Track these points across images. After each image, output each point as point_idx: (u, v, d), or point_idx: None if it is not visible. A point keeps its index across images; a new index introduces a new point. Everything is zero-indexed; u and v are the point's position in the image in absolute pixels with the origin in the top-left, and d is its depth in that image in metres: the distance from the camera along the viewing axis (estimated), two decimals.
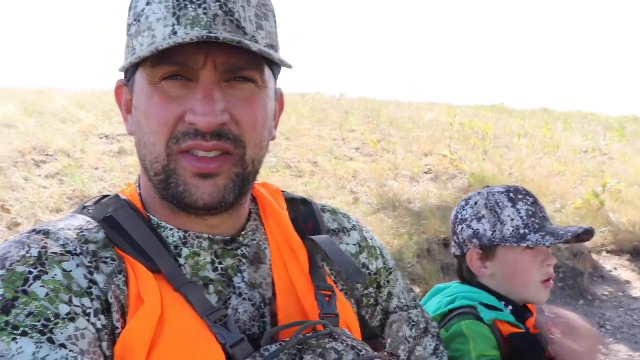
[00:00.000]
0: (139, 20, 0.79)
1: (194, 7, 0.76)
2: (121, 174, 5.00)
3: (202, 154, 0.79)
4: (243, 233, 0.90)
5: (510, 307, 1.38)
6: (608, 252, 4.89)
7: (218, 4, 0.76)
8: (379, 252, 1.07)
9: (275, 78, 0.88)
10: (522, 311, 1.40)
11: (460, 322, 1.31)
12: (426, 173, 6.22)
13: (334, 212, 1.05)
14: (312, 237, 0.93)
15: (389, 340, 1.09)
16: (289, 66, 0.82)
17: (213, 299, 0.83)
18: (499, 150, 7.31)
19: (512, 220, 1.38)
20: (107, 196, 0.90)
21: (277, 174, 5.54)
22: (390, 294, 1.07)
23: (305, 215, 1.00)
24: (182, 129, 0.78)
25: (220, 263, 0.86)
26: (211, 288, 0.84)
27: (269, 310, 0.88)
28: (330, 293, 0.90)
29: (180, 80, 0.78)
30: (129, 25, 0.82)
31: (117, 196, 0.89)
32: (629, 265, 4.72)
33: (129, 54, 0.82)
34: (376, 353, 0.83)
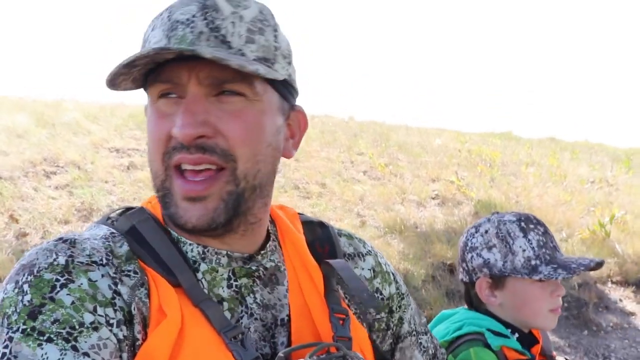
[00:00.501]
0: (143, 46, 0.84)
1: (182, 27, 0.79)
2: (130, 188, 5.03)
3: (190, 168, 0.80)
4: (262, 252, 0.91)
5: (517, 335, 1.39)
6: (613, 282, 4.86)
7: (205, 21, 0.79)
8: (392, 278, 1.07)
9: (281, 93, 0.87)
10: (528, 338, 1.40)
11: (468, 348, 1.32)
12: (433, 198, 6.22)
13: (349, 236, 1.06)
14: (328, 260, 0.94)
15: None
16: (275, 77, 0.82)
17: (227, 317, 0.84)
18: (506, 178, 7.31)
19: (524, 251, 1.37)
20: (131, 208, 0.91)
21: (285, 195, 5.56)
22: (401, 319, 1.07)
23: (322, 239, 1.01)
24: (172, 143, 0.80)
25: (235, 281, 0.87)
26: (225, 305, 0.85)
27: (282, 330, 0.88)
28: (344, 316, 0.90)
29: (174, 97, 0.81)
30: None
31: (141, 208, 0.90)
32: (634, 297, 4.68)
33: None
34: None
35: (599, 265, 1.40)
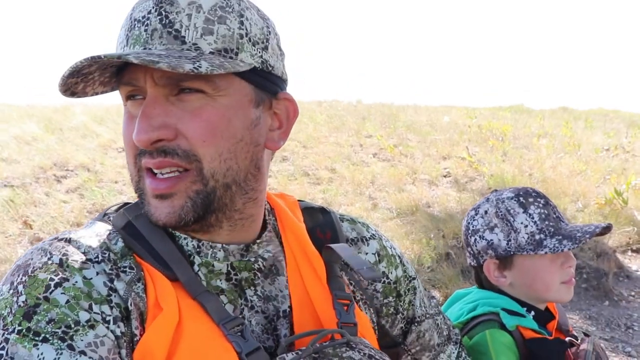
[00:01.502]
0: (116, 46, 0.82)
1: (139, 25, 0.77)
2: None
3: (157, 171, 0.79)
4: (258, 241, 0.89)
5: (533, 313, 1.36)
6: (633, 251, 4.80)
7: (159, 17, 0.77)
8: (398, 261, 1.06)
9: (254, 82, 0.82)
10: (544, 315, 1.38)
11: (483, 330, 1.29)
12: (445, 176, 6.18)
13: (352, 221, 1.05)
14: (330, 245, 0.93)
15: (418, 348, 1.09)
16: (235, 70, 0.77)
17: (228, 309, 0.83)
18: (519, 151, 7.24)
19: (526, 227, 1.34)
20: (128, 203, 0.90)
21: (295, 182, 5.55)
22: (411, 302, 1.06)
23: (323, 225, 1.00)
24: (139, 147, 0.79)
25: (235, 275, 0.86)
26: (224, 298, 0.84)
27: (284, 322, 0.88)
28: (348, 302, 0.89)
29: (139, 99, 0.79)
30: None
31: (137, 203, 0.89)
32: None
33: None
34: None
35: (606, 230, 1.36)
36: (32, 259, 0.76)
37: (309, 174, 5.86)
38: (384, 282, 1.03)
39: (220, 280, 0.85)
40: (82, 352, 0.70)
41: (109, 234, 0.83)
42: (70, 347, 0.69)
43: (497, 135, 7.83)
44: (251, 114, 0.83)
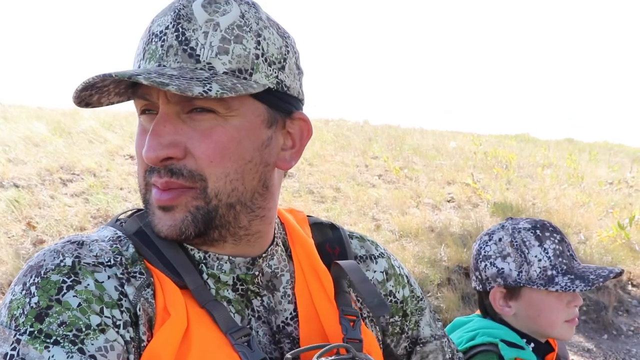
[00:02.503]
0: (134, 57, 0.83)
1: (156, 40, 0.78)
2: None
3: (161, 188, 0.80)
4: (264, 255, 0.90)
5: (532, 345, 1.36)
6: (634, 285, 4.79)
7: (176, 34, 0.77)
8: (405, 281, 1.06)
9: (268, 103, 0.82)
10: (544, 347, 1.37)
11: None
12: (448, 201, 6.18)
13: (361, 238, 1.05)
14: (338, 261, 0.93)
15: None
16: (247, 92, 0.76)
17: (237, 319, 0.84)
18: (523, 180, 7.25)
19: (540, 260, 1.33)
20: (140, 210, 0.90)
21: (299, 199, 5.56)
22: (417, 323, 1.06)
23: (332, 240, 1.00)
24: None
25: (241, 285, 0.86)
26: (231, 308, 0.84)
27: (289, 334, 0.88)
28: (355, 318, 0.89)
29: (152, 114, 0.80)
30: None
31: None
32: None
33: None
34: None
35: (619, 275, 1.35)
36: (44, 260, 0.76)
37: (313, 191, 5.86)
38: (391, 300, 1.03)
39: (228, 291, 0.85)
40: (92, 357, 0.70)
41: (121, 239, 0.84)
42: (81, 351, 0.70)
43: (502, 163, 7.85)
44: (263, 134, 0.82)
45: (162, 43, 0.77)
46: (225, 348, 0.78)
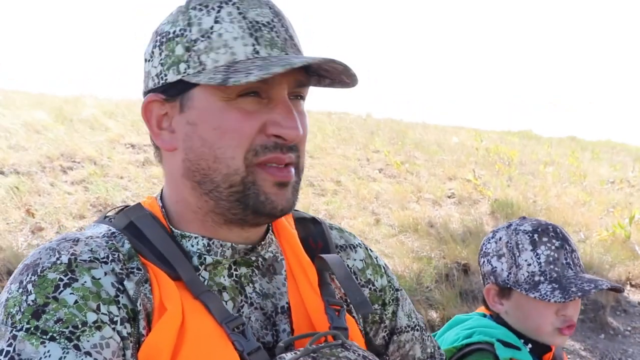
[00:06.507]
0: (209, 37, 0.80)
1: (267, 29, 0.82)
2: (145, 184, 5.06)
3: (275, 165, 0.83)
4: (262, 243, 0.92)
5: (530, 345, 1.35)
6: (632, 285, 4.78)
7: (284, 28, 0.83)
8: (383, 271, 1.09)
9: None
10: (541, 347, 1.36)
11: (477, 359, 1.29)
12: (449, 197, 6.17)
13: (340, 230, 1.08)
14: (322, 255, 0.95)
15: (398, 359, 1.10)
16: (355, 75, 0.85)
17: (229, 306, 0.85)
18: (524, 177, 7.24)
19: (529, 265, 1.32)
20: (128, 206, 0.92)
21: (299, 191, 5.54)
22: (394, 313, 1.08)
23: (315, 235, 1.02)
24: (260, 141, 0.81)
25: (235, 270, 0.88)
26: (225, 295, 0.86)
27: (283, 317, 0.90)
28: (339, 307, 0.92)
29: (254, 96, 0.81)
30: (193, 41, 0.81)
31: (138, 205, 0.91)
32: None
33: (193, 68, 0.81)
34: None
35: (613, 289, 1.32)
36: (40, 258, 0.77)
37: (314, 184, 5.86)
38: (371, 289, 1.05)
39: (223, 277, 0.87)
40: (88, 353, 0.71)
41: (115, 235, 0.85)
42: (77, 347, 0.71)
43: (504, 159, 7.83)
44: None
45: (277, 34, 0.83)
46: (221, 338, 0.80)
